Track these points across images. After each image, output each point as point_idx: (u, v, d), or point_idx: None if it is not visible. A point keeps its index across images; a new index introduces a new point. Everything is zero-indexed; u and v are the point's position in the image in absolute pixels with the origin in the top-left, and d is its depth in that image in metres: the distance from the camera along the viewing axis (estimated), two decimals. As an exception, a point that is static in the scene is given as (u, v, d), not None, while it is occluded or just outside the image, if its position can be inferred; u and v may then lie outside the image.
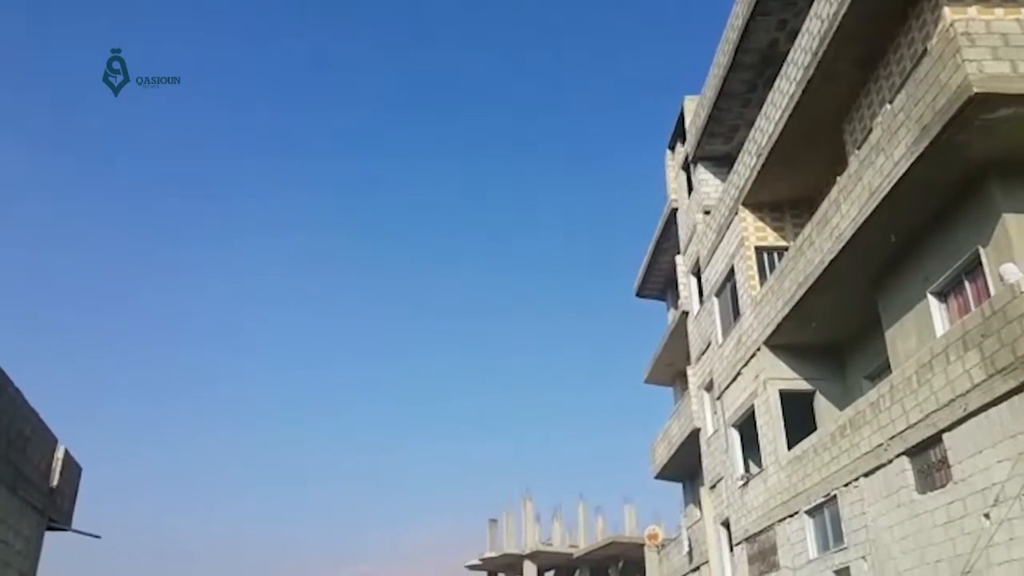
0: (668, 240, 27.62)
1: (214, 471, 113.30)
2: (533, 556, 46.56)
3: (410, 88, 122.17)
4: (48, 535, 13.46)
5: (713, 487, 22.28)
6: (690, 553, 25.07)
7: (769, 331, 17.36)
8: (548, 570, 50.27)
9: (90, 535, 14.85)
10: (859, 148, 14.09)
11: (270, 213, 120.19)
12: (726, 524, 21.16)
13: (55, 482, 13.25)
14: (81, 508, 15.05)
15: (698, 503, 25.09)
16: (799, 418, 17.19)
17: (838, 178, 14.36)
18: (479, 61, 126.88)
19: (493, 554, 48.89)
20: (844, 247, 13.91)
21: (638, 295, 31.97)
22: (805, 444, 15.79)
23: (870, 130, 14.26)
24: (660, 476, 28.80)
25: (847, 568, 14.01)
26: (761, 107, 18.23)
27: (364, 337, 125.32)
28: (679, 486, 29.02)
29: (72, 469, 14.34)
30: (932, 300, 13.26)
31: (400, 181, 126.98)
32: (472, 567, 52.03)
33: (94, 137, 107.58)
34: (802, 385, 17.56)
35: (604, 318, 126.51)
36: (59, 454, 13.41)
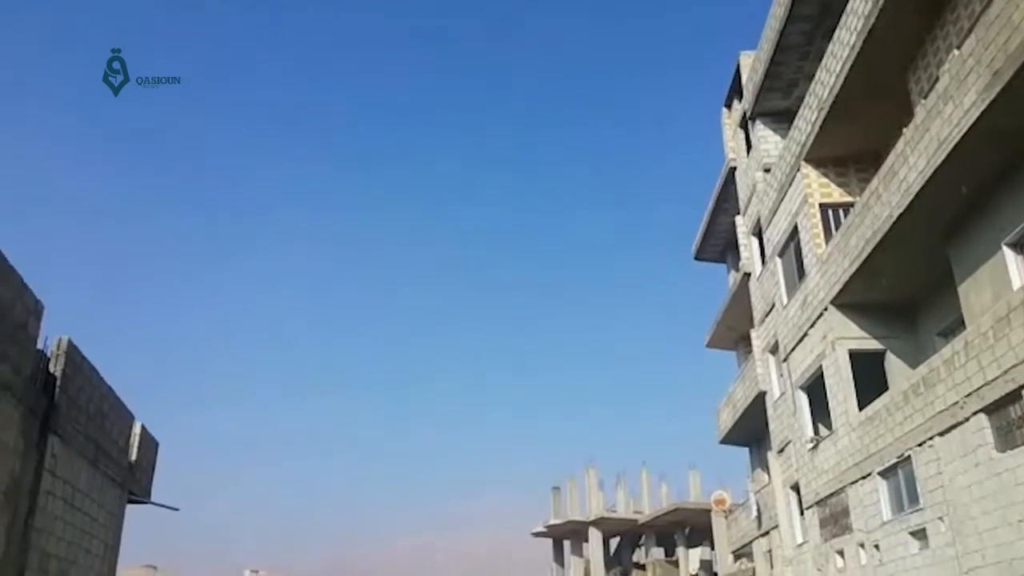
0: (727, 201, 27.13)
1: (289, 441, 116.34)
2: (598, 523, 46.75)
3: (452, 57, 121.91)
4: (129, 508, 13.92)
5: (781, 451, 22.01)
6: (759, 517, 24.86)
7: (836, 290, 16.96)
8: (613, 536, 50.46)
9: (169, 507, 15.32)
10: (925, 97, 13.59)
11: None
12: (796, 488, 20.90)
13: (133, 456, 13.68)
14: (160, 481, 15.53)
15: (766, 467, 24.84)
16: (869, 378, 16.80)
17: (904, 129, 13.90)
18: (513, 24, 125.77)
19: (557, 521, 49.22)
20: (913, 200, 13.47)
21: (697, 258, 31.52)
22: (877, 404, 15.46)
23: (937, 78, 13.74)
24: (725, 441, 28.55)
25: (923, 529, 13.72)
26: (821, 59, 17.69)
27: (432, 312, 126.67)
28: (744, 451, 28.75)
29: (149, 444, 14.77)
30: (1008, 252, 12.77)
31: (453, 152, 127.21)
32: (537, 534, 52.50)
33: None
34: (872, 344, 17.14)
35: (663, 286, 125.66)
36: (136, 430, 13.82)
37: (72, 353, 10.47)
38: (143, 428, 14.05)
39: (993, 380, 11.46)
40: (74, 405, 10.63)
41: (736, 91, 25.90)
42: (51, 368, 10.01)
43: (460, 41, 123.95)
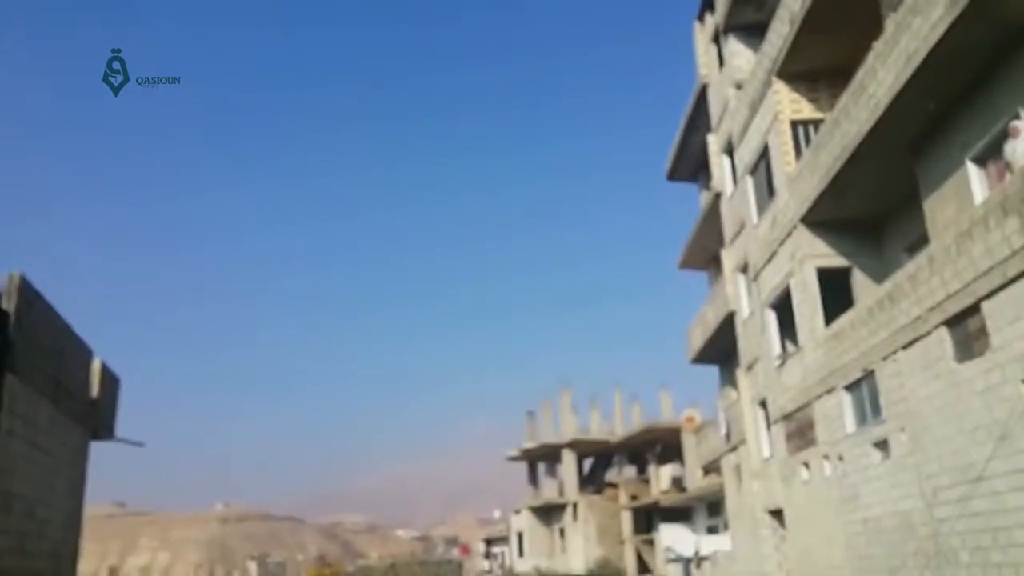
0: (699, 119, 26.70)
1: (264, 374, 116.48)
2: (571, 445, 47.54)
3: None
4: (95, 447, 13.82)
5: (750, 368, 22.28)
6: (727, 434, 25.30)
7: (805, 208, 16.90)
8: (587, 457, 51.35)
9: (134, 443, 15.25)
10: (896, 11, 13.32)
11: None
12: (763, 404, 21.24)
13: (95, 393, 13.50)
14: (126, 418, 15.39)
15: (735, 385, 25.16)
16: (836, 295, 16.91)
17: (874, 44, 13.66)
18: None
19: (532, 445, 49.97)
20: (881, 116, 13.34)
21: (670, 178, 31.16)
22: (842, 320, 15.59)
23: (908, -11, 13.46)
24: (696, 360, 28.85)
25: (885, 440, 14.01)
26: (793, -29, 17.25)
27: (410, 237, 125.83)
28: (715, 370, 29.11)
29: (110, 380, 14.57)
30: (971, 167, 12.79)
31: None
32: (512, 458, 53.31)
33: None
34: (839, 261, 17.21)
35: (636, 208, 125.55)
36: (96, 366, 13.59)
37: (25, 289, 10.18)
38: (103, 364, 13.81)
39: (955, 293, 11.56)
40: (30, 342, 10.39)
41: (708, 4, 25.25)
42: (3, 305, 9.74)
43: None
